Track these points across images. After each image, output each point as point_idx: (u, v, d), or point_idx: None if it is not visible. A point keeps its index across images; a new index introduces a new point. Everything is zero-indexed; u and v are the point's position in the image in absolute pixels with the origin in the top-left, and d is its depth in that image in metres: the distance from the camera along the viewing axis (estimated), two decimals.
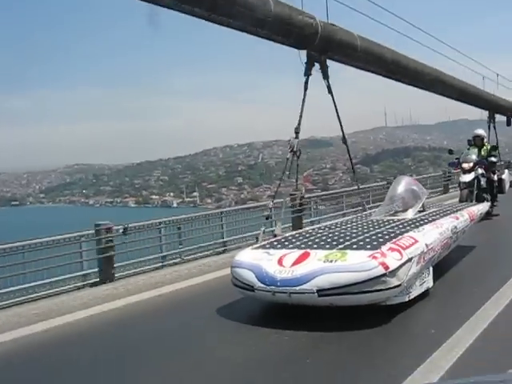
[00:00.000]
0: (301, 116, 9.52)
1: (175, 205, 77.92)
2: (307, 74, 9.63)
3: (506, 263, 7.86)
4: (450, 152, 13.63)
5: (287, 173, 9.29)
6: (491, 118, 20.04)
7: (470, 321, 5.26)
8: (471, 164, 12.14)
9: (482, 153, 12.64)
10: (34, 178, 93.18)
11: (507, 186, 13.00)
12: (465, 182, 12.06)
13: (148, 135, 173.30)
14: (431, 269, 6.31)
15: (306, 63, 9.69)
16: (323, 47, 9.76)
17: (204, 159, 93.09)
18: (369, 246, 5.67)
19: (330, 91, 9.90)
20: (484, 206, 9.38)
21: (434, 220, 7.31)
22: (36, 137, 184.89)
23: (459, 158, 12.66)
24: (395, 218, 7.62)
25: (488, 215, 10.99)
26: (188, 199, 79.20)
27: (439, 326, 5.28)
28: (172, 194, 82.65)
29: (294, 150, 9.09)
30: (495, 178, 12.68)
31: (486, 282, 6.94)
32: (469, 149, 12.86)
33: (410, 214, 7.81)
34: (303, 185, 73.44)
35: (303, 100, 9.63)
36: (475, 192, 11.91)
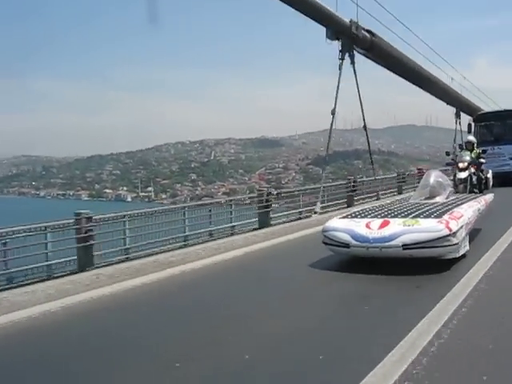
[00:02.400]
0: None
1: (129, 199, 78.59)
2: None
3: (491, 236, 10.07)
4: (447, 154, 16.27)
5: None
6: (457, 116, 26.68)
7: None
8: (465, 164, 14.77)
9: (473, 155, 15.27)
10: None
11: (491, 183, 15.69)
12: (460, 179, 14.67)
13: (98, 129, 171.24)
14: (468, 237, 8.58)
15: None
16: None
17: (156, 155, 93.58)
18: (433, 216, 7.91)
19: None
20: (491, 196, 11.71)
21: (464, 203, 9.64)
22: None
23: (454, 159, 15.29)
24: (431, 201, 9.88)
25: None
26: (143, 194, 79.96)
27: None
28: (125, 188, 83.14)
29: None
30: (483, 176, 15.33)
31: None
32: (461, 151, 15.51)
33: (440, 199, 10.11)
34: (257, 183, 74.75)
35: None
36: (468, 187, 14.51)
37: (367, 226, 7.83)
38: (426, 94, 27.98)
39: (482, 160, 15.36)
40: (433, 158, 73.90)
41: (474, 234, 9.50)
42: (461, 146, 15.94)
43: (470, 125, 26.72)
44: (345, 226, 8.07)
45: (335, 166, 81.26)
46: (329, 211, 15.61)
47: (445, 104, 30.36)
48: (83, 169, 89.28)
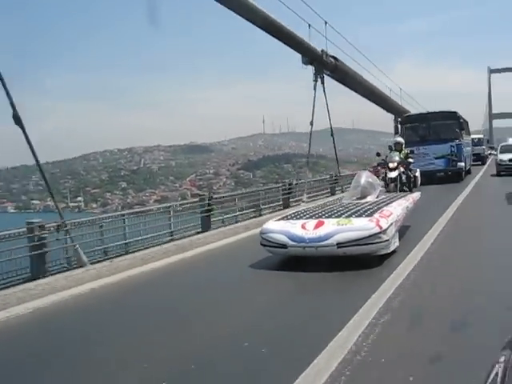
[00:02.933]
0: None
1: None
2: None
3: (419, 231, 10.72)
4: (378, 154, 17.13)
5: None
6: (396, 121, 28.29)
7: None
8: (395, 164, 15.66)
9: (402, 156, 16.21)
10: None
11: (419, 181, 16.69)
12: (391, 178, 15.53)
13: (18, 138, 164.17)
14: (397, 233, 9.14)
15: None
16: None
17: (84, 164, 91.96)
18: (364, 215, 8.44)
19: None
20: (418, 194, 12.37)
21: (393, 201, 10.22)
22: None
23: (385, 159, 16.19)
24: (362, 201, 10.44)
25: None
26: (72, 204, 78.15)
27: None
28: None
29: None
30: (412, 175, 16.29)
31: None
32: (390, 152, 16.44)
33: (370, 198, 10.69)
34: (189, 189, 74.45)
35: None
36: (399, 185, 15.41)
37: (303, 226, 8.23)
38: (351, 97, 30.41)
39: (411, 160, 16.26)
40: (360, 160, 75.95)
41: (403, 230, 10.04)
42: (390, 147, 16.87)
43: (396, 127, 28.09)
44: (281, 227, 8.45)
45: (266, 170, 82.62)
46: (314, 199, 18.88)
47: (370, 107, 32.08)
48: (8, 180, 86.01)
